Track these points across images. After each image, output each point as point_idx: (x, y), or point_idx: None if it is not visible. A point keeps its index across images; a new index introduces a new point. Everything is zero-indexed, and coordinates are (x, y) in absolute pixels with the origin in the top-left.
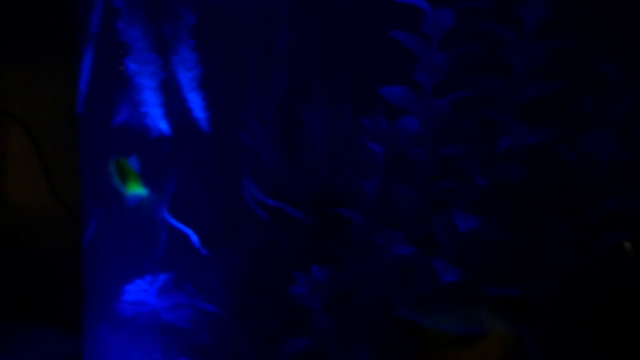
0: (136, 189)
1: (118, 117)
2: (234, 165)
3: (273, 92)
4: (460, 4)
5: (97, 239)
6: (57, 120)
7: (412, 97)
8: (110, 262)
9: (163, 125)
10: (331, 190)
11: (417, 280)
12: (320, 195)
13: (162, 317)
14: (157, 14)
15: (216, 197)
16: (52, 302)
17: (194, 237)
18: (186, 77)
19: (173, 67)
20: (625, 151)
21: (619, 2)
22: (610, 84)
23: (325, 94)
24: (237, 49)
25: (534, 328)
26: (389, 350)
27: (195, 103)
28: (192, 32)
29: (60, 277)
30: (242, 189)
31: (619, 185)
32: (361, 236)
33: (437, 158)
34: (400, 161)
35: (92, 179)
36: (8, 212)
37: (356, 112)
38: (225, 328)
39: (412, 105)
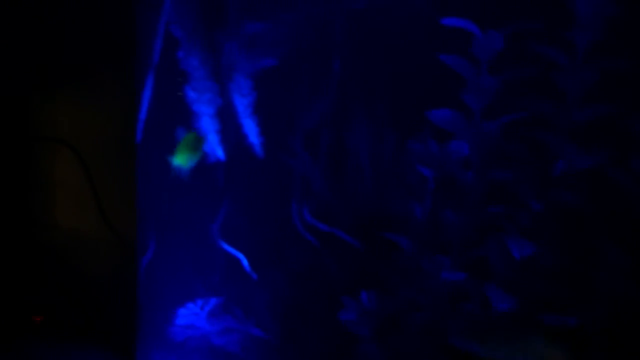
0: (180, 161)
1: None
2: (285, 189)
3: (321, 116)
4: (510, 27)
5: (154, 264)
6: (106, 145)
7: (461, 120)
8: (165, 287)
9: (219, 151)
10: (380, 215)
11: (469, 308)
12: (369, 220)
13: (212, 341)
14: (215, 43)
15: (267, 221)
16: (101, 326)
17: (244, 261)
18: (242, 103)
19: (229, 94)
20: None
21: None
22: None
23: (372, 117)
24: (288, 76)
25: (591, 358)
26: None
27: (251, 129)
28: (249, 60)
29: (108, 300)
30: (292, 213)
31: None
32: (410, 261)
33: (488, 182)
34: (450, 185)
35: (150, 206)
36: (58, 235)
37: (403, 136)
38: (274, 353)
39: (461, 129)
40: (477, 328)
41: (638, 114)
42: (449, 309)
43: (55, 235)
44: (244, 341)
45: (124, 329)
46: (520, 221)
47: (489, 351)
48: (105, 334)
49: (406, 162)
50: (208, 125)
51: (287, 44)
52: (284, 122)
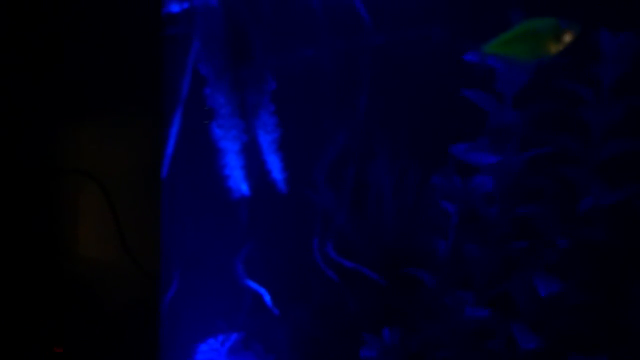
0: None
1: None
2: (308, 225)
3: (345, 151)
4: (535, 62)
5: (177, 299)
6: (131, 179)
7: (485, 154)
8: (187, 322)
9: (244, 187)
10: (403, 250)
11: (493, 346)
12: (392, 256)
13: None
14: (241, 80)
15: (289, 257)
16: (121, 358)
17: (267, 297)
18: (266, 140)
19: (254, 130)
20: None
21: None
22: None
23: (395, 152)
24: (313, 112)
25: None
26: None
27: (275, 165)
28: (273, 97)
29: (129, 333)
30: (314, 249)
31: None
32: (433, 297)
33: (512, 217)
34: (474, 220)
35: (175, 241)
36: (81, 267)
37: (427, 170)
38: None
39: (484, 163)
40: None
41: None
42: (473, 347)
43: (78, 267)
44: None
45: None
46: (546, 257)
47: None
48: None
49: (429, 197)
50: (233, 161)
51: (311, 80)
52: (308, 158)
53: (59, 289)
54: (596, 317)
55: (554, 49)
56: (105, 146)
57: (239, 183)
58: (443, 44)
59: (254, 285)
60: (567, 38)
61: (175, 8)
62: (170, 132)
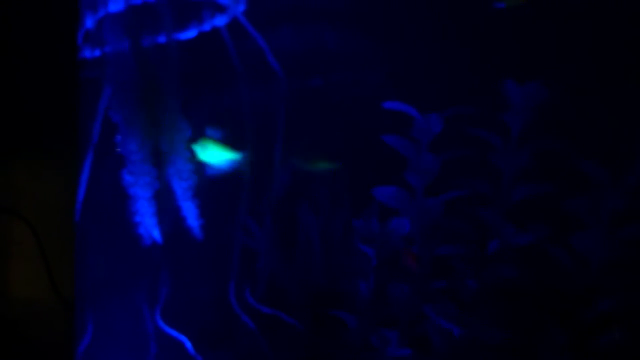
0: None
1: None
2: (225, 271)
3: (272, 193)
4: (448, 111)
5: (92, 348)
6: (59, 216)
7: (405, 197)
8: None
9: (156, 234)
10: (328, 292)
11: None
12: (317, 297)
13: None
14: (154, 128)
15: (206, 304)
16: None
17: (188, 344)
18: (181, 186)
19: (168, 177)
20: (615, 250)
21: (600, 104)
22: (596, 184)
23: (322, 195)
24: (236, 152)
25: None
26: None
27: (190, 211)
28: (188, 143)
29: None
30: (230, 295)
31: (611, 285)
32: (357, 338)
33: (430, 258)
34: (394, 262)
35: (87, 287)
36: (10, 307)
37: (352, 213)
38: None
39: (404, 205)
40: None
41: (571, 191)
42: None
43: (6, 306)
44: None
45: None
46: (460, 297)
47: None
48: None
49: (352, 240)
50: (144, 208)
51: (231, 124)
52: (226, 204)
53: None
54: (510, 354)
55: None
56: (27, 182)
57: (151, 230)
58: (367, 90)
59: (173, 332)
60: None
61: (87, 54)
62: (82, 177)
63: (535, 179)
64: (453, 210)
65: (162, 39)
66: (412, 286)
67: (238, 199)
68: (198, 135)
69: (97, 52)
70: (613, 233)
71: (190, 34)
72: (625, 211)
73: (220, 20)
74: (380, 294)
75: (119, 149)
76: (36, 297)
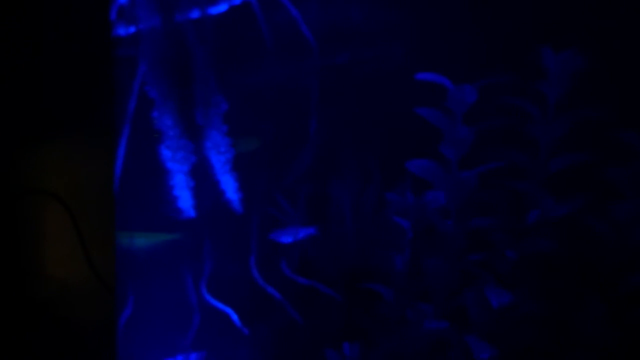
0: None
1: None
2: (266, 244)
3: (302, 169)
4: (482, 81)
5: (134, 319)
6: (94, 195)
7: (439, 170)
8: (145, 342)
9: (194, 207)
10: (362, 266)
11: (450, 356)
12: (351, 271)
13: None
14: (189, 102)
15: (248, 277)
16: None
17: (234, 316)
18: (219, 160)
19: (206, 151)
20: None
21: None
22: (636, 153)
23: (354, 170)
24: (268, 129)
25: None
26: None
27: (228, 185)
28: (225, 117)
29: (92, 353)
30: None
31: None
32: (392, 311)
33: (467, 231)
34: (429, 234)
35: (129, 260)
36: (47, 286)
37: (383, 187)
38: None
39: (439, 178)
40: None
41: (610, 161)
42: (432, 359)
43: (44, 287)
44: None
45: None
46: (498, 269)
47: None
48: None
49: (386, 214)
50: (182, 182)
51: (265, 100)
52: (265, 177)
53: (25, 309)
54: (548, 326)
55: None
56: (63, 166)
57: (189, 203)
58: (397, 63)
59: (218, 304)
60: None
61: (122, 31)
62: (118, 153)
63: (573, 149)
64: (489, 183)
65: (194, 13)
66: (448, 259)
67: (272, 173)
68: (233, 109)
69: (132, 29)
70: None
71: (221, 7)
72: None
73: None
74: (416, 266)
75: (155, 125)
76: (73, 277)
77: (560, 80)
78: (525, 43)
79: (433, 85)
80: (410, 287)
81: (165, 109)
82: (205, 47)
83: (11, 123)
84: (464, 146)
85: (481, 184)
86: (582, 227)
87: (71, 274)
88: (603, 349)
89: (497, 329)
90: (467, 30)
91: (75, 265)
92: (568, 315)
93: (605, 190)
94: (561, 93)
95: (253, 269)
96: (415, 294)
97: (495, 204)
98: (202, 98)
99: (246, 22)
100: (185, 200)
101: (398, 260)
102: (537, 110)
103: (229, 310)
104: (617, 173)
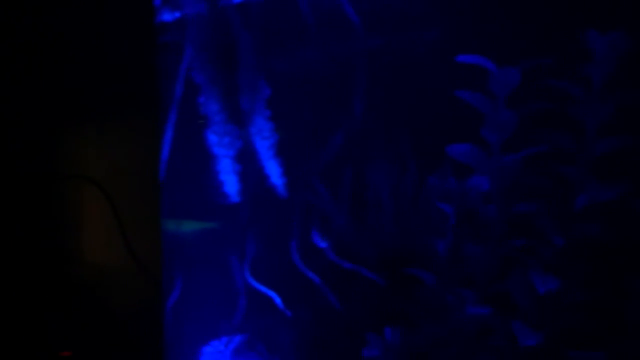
0: None
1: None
2: (307, 228)
3: (342, 153)
4: (526, 63)
5: (181, 302)
6: (129, 181)
7: (480, 154)
8: (191, 325)
9: (239, 192)
10: (402, 251)
11: (494, 343)
12: (392, 256)
13: None
14: (234, 88)
15: (289, 259)
16: None
17: (277, 299)
18: (263, 145)
19: (250, 136)
20: None
21: None
22: None
23: (393, 154)
24: (309, 117)
25: None
26: None
27: (273, 170)
28: (268, 103)
29: (135, 336)
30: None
31: None
32: (434, 296)
33: (510, 216)
34: (472, 219)
35: (175, 245)
36: (85, 272)
37: (424, 172)
38: None
39: (480, 163)
40: None
41: None
42: (475, 344)
43: (83, 272)
44: None
45: None
46: (544, 255)
47: None
48: None
49: (427, 198)
50: (228, 167)
51: (306, 84)
52: (305, 162)
53: (64, 294)
54: (595, 313)
55: None
56: (104, 151)
57: (235, 188)
58: (437, 46)
59: (260, 287)
60: None
61: (167, 17)
62: (165, 139)
63: (619, 132)
64: (532, 167)
65: None
66: (490, 244)
67: (313, 158)
68: (276, 94)
69: (177, 14)
70: None
71: None
72: None
73: None
74: (459, 252)
75: (201, 110)
76: (115, 262)
77: (606, 62)
78: (571, 24)
79: (471, 68)
80: (452, 272)
81: (212, 94)
82: (249, 32)
83: (55, 109)
84: (507, 130)
85: (524, 169)
86: (630, 212)
87: (114, 259)
88: None
89: (542, 315)
90: (512, 9)
91: (118, 251)
92: (615, 302)
93: None
94: (607, 75)
95: (294, 254)
96: (457, 279)
97: (538, 188)
98: (246, 83)
99: (289, 6)
100: (231, 185)
101: (440, 245)
102: (582, 92)
103: (272, 293)
104: None
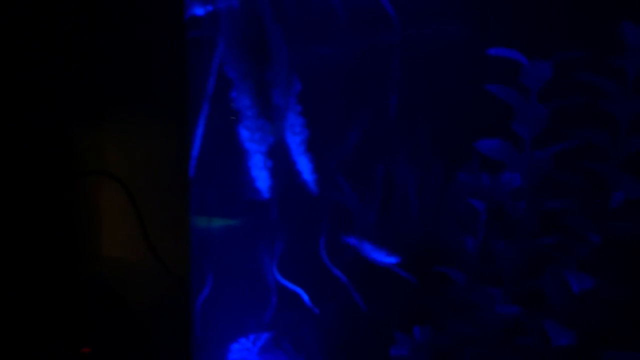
0: None
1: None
2: (338, 226)
3: (368, 151)
4: (559, 56)
5: (210, 300)
6: (156, 178)
7: (511, 150)
8: (220, 322)
9: (271, 188)
10: (430, 248)
11: (525, 342)
12: (419, 254)
13: None
14: (266, 83)
15: (318, 256)
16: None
17: (305, 296)
18: (295, 141)
19: (282, 132)
20: None
21: None
22: None
23: (419, 149)
24: (337, 111)
25: None
26: None
27: (304, 166)
28: (299, 98)
29: (158, 333)
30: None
31: None
32: (463, 295)
33: (542, 213)
34: (502, 216)
35: (205, 243)
36: (106, 268)
37: (452, 167)
38: None
39: (512, 158)
40: None
41: None
42: (504, 343)
43: (103, 268)
44: None
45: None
46: (579, 253)
47: None
48: None
49: (455, 194)
50: (260, 162)
51: (336, 79)
52: (332, 158)
53: (85, 290)
54: (631, 313)
55: None
56: (132, 148)
57: (266, 184)
58: (465, 39)
59: (287, 284)
60: None
61: (199, 11)
62: (196, 134)
63: None
64: (565, 163)
65: None
66: (521, 242)
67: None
68: (308, 88)
69: (209, 8)
70: None
71: None
72: None
73: None
74: (487, 249)
75: (233, 105)
76: (134, 259)
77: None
78: (605, 16)
79: (498, 62)
80: (482, 270)
81: (244, 89)
82: (281, 26)
83: (83, 103)
84: (539, 125)
85: (556, 164)
86: None
87: (136, 256)
88: None
89: (576, 314)
90: (540, 2)
91: (140, 248)
92: None
93: None
94: None
95: (322, 251)
96: (487, 277)
97: (570, 184)
98: (278, 78)
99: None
100: (262, 180)
101: (469, 242)
102: (616, 86)
103: (300, 290)
104: None
